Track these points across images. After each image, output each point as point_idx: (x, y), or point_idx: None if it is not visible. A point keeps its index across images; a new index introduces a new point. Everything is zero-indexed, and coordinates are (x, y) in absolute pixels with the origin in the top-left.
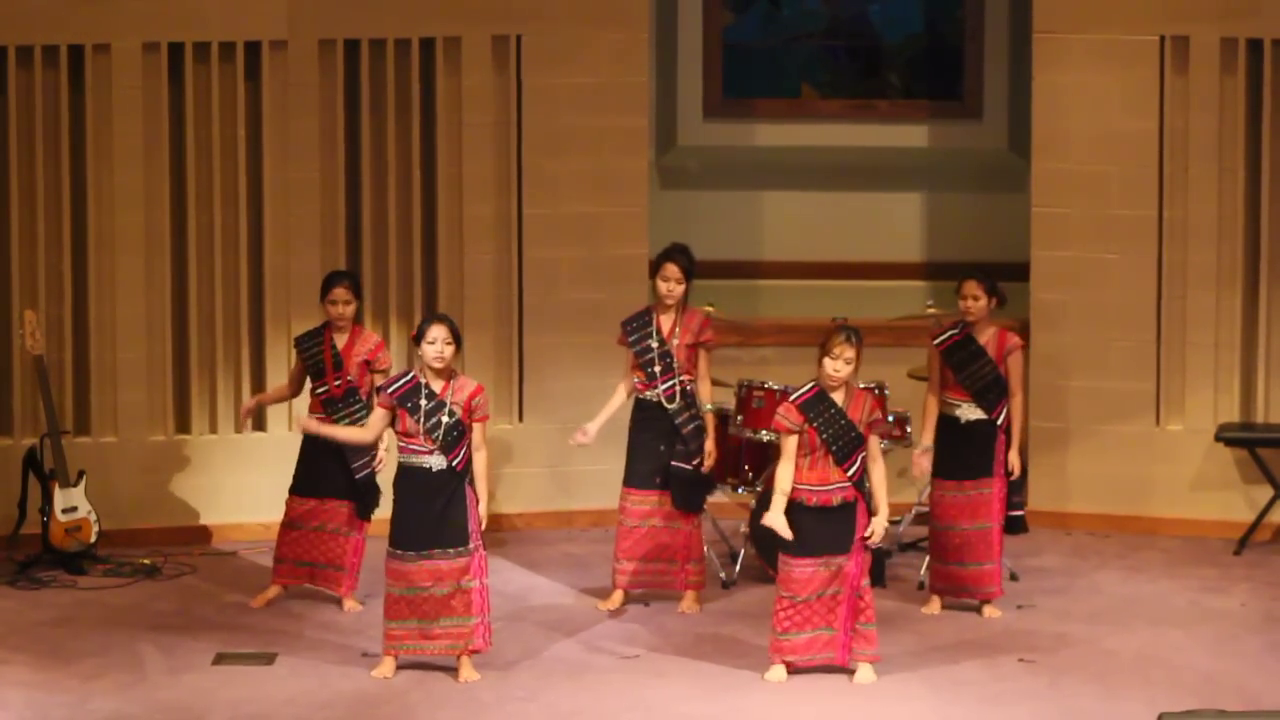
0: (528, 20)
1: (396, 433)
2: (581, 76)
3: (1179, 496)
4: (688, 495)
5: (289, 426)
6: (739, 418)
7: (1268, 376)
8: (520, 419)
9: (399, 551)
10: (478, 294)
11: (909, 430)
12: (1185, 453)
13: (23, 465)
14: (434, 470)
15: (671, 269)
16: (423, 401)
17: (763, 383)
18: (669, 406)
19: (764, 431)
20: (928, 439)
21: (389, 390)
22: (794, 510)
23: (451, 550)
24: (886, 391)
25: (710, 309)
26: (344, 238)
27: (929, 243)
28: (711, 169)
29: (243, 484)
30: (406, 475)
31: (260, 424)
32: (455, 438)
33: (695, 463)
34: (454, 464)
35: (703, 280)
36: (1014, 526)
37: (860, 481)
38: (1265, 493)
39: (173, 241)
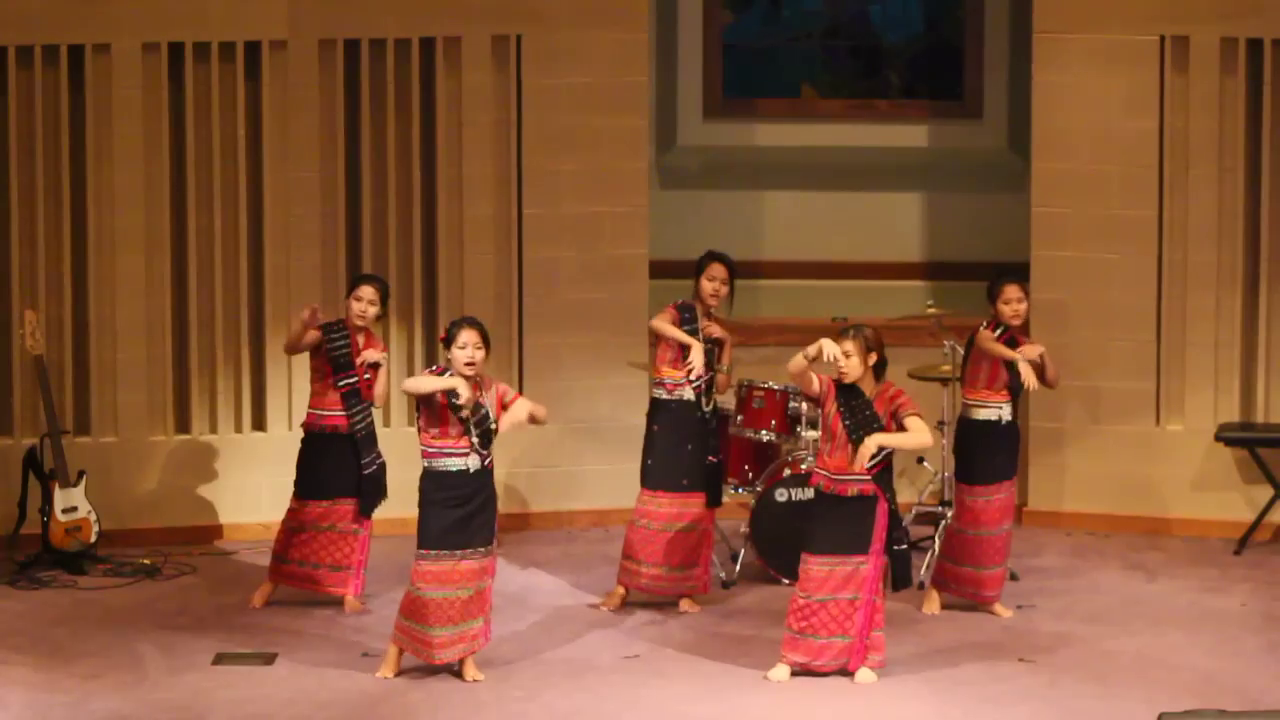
0: (528, 20)
1: (429, 435)
2: (581, 76)
3: (1179, 496)
4: (717, 489)
5: (289, 427)
6: (739, 418)
7: (1268, 376)
8: None
9: (434, 552)
10: (478, 294)
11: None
12: (1185, 453)
13: (23, 465)
14: (470, 471)
15: (720, 269)
16: (463, 404)
17: (763, 383)
18: (703, 405)
19: (764, 431)
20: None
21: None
22: (809, 502)
23: (481, 550)
24: None
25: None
26: (344, 238)
27: (929, 243)
28: (711, 169)
29: (243, 484)
30: (442, 477)
31: (260, 424)
32: (491, 437)
33: (720, 456)
34: (487, 463)
35: None
36: None
37: (881, 475)
38: (1265, 493)
39: (173, 241)
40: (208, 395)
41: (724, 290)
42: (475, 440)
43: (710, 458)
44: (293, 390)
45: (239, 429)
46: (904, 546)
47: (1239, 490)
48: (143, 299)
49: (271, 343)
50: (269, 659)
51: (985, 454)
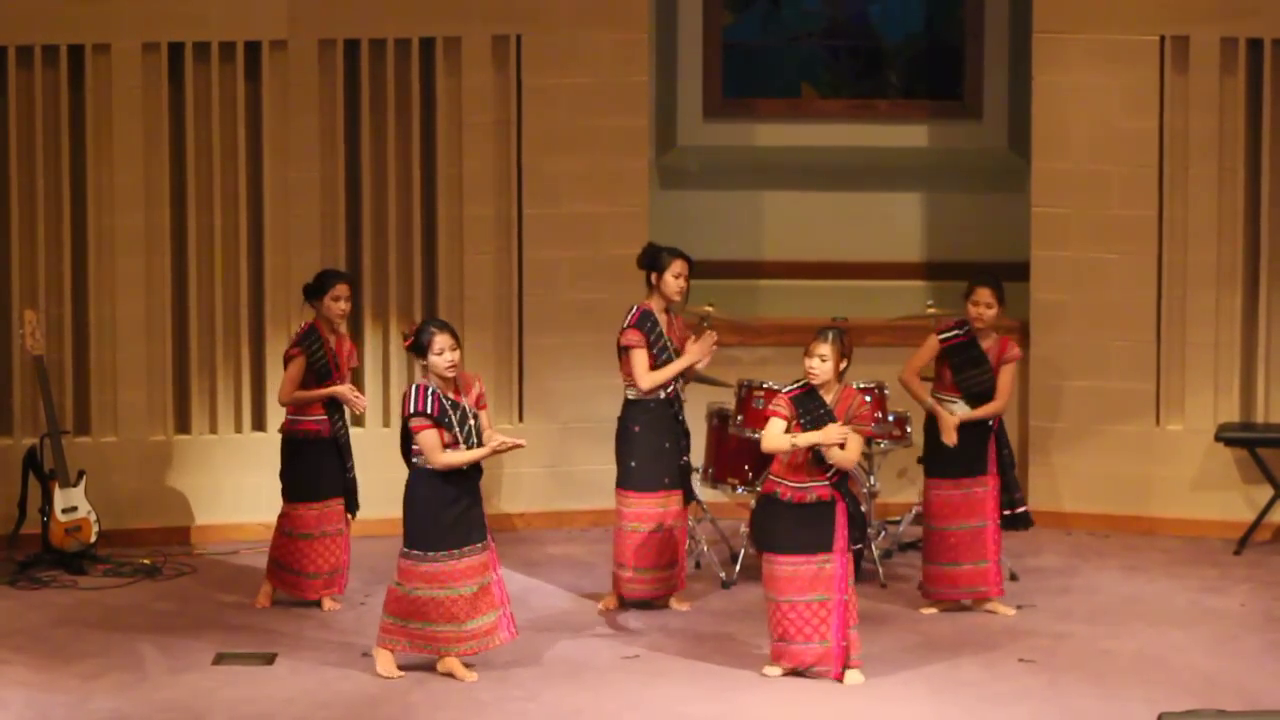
0: (528, 20)
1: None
2: (581, 76)
3: (1179, 496)
4: (691, 487)
5: None
6: (739, 417)
7: (1268, 376)
8: (520, 419)
9: (431, 554)
10: (478, 294)
11: (909, 430)
12: (1185, 453)
13: (23, 465)
14: (464, 470)
15: (683, 265)
16: (451, 411)
17: (762, 383)
18: (674, 403)
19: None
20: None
21: (428, 413)
22: (772, 505)
23: (479, 545)
24: (886, 391)
25: (710, 309)
26: (344, 238)
27: (929, 243)
28: (711, 169)
29: (243, 484)
30: (435, 478)
31: (260, 424)
32: (480, 436)
33: (689, 456)
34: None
35: (702, 280)
36: (1018, 523)
37: (841, 483)
38: (1265, 493)
39: (173, 241)
40: (208, 395)
41: (687, 288)
42: (464, 443)
43: (684, 457)
44: None
45: (239, 429)
46: (858, 547)
47: (1239, 490)
48: (143, 299)
49: (271, 342)
50: (269, 659)
51: (946, 448)
